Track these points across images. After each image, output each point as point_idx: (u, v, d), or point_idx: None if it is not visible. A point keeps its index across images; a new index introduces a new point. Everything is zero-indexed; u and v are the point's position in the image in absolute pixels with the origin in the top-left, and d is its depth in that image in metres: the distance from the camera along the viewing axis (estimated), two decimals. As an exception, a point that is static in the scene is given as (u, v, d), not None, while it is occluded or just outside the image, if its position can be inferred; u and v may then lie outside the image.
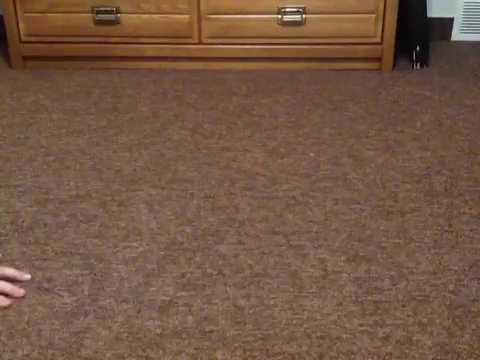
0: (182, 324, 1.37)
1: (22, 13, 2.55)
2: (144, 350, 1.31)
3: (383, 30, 2.51)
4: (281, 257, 1.56)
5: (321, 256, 1.57)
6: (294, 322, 1.37)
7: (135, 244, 1.62)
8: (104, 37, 2.58)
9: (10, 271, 1.47)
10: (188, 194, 1.82)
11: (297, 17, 2.50)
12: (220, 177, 1.90)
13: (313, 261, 1.55)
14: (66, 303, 1.43)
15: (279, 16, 2.51)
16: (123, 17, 2.54)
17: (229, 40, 2.57)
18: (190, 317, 1.39)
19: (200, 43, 2.58)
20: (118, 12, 2.53)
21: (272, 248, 1.60)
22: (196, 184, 1.86)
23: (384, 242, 1.61)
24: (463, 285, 1.47)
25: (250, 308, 1.41)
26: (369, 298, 1.43)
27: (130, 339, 1.33)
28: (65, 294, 1.45)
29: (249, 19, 2.53)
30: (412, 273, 1.50)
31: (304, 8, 2.49)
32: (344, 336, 1.33)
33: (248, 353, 1.30)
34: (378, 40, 2.53)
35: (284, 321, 1.37)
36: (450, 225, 1.67)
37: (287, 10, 2.50)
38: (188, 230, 1.67)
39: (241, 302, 1.43)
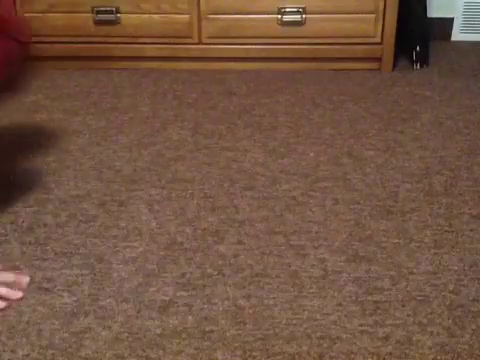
0: (182, 324, 1.37)
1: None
2: (144, 350, 1.31)
3: (383, 30, 2.51)
4: (281, 257, 1.56)
5: (321, 256, 1.57)
6: (294, 322, 1.37)
7: (135, 244, 1.62)
8: (104, 37, 2.58)
9: (8, 276, 1.45)
10: (188, 194, 1.82)
11: (297, 17, 2.50)
12: (220, 177, 1.90)
13: (313, 261, 1.55)
14: (66, 303, 1.43)
15: (279, 16, 2.51)
16: (123, 17, 2.54)
17: (229, 40, 2.57)
18: (190, 317, 1.39)
19: (200, 43, 2.58)
20: (118, 12, 2.53)
21: (272, 248, 1.60)
22: (196, 184, 1.86)
23: (384, 242, 1.61)
24: (463, 285, 1.47)
25: (250, 308, 1.41)
26: (369, 298, 1.43)
27: (130, 339, 1.33)
28: (65, 294, 1.45)
29: (249, 19, 2.53)
30: (412, 273, 1.50)
31: (304, 8, 2.49)
32: (344, 336, 1.33)
33: (248, 353, 1.30)
34: (378, 40, 2.53)
35: (284, 321, 1.37)
36: (450, 225, 1.67)
37: (287, 10, 2.50)
38: (188, 230, 1.67)
39: (241, 302, 1.43)
